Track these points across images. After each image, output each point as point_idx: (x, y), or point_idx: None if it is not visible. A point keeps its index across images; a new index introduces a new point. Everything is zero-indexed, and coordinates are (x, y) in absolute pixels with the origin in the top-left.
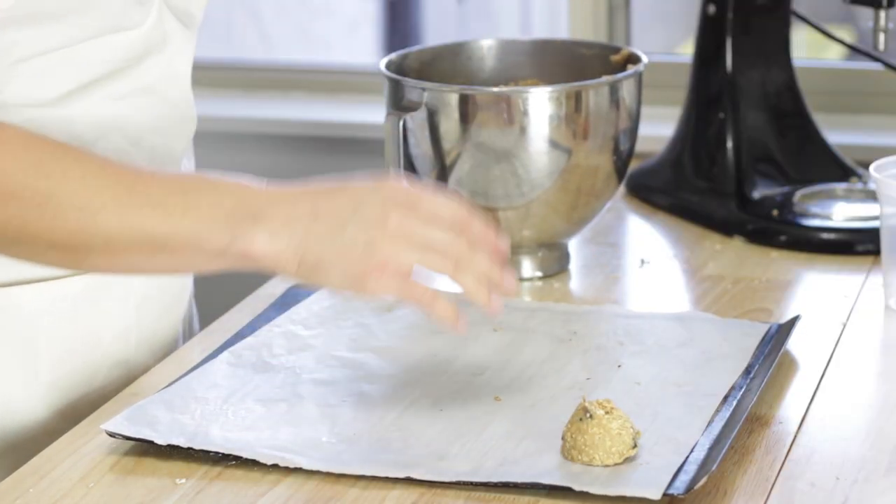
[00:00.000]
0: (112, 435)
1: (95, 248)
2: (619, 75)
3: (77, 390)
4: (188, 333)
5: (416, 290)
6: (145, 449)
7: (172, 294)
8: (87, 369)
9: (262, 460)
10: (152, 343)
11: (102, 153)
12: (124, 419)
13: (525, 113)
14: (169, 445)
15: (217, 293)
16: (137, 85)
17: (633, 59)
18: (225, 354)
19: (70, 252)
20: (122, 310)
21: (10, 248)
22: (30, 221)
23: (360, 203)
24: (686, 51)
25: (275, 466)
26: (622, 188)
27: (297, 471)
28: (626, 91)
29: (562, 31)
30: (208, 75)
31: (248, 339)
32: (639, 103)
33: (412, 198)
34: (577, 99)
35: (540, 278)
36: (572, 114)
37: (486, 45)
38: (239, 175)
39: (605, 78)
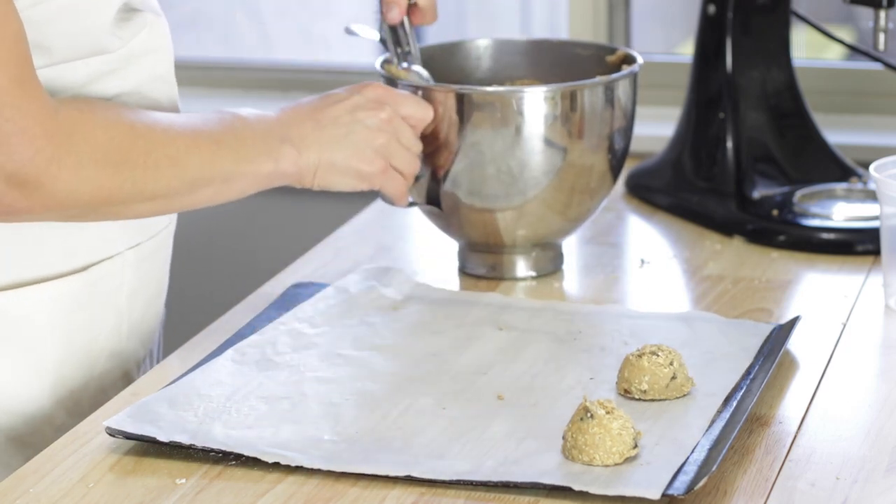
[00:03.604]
0: (112, 434)
1: (182, 191)
2: (614, 75)
3: (78, 384)
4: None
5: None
6: (145, 448)
7: (158, 283)
8: (86, 363)
9: (264, 458)
10: (140, 332)
11: None
12: (127, 416)
13: (520, 113)
14: (169, 444)
15: (213, 294)
16: (122, 88)
17: (629, 59)
18: (229, 352)
19: (165, 198)
20: (114, 302)
21: (117, 210)
22: (139, 178)
23: (353, 111)
24: (686, 51)
25: (275, 466)
26: (622, 188)
27: (298, 470)
28: (622, 91)
29: (562, 31)
30: (208, 75)
31: (253, 337)
32: (634, 103)
33: (388, 98)
34: (572, 99)
35: (533, 278)
36: (567, 113)
37: (483, 45)
38: (240, 107)
39: (600, 78)
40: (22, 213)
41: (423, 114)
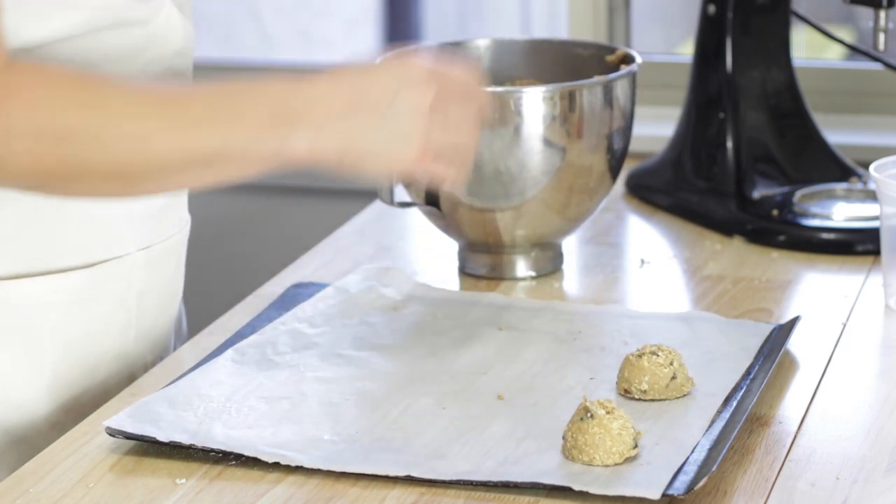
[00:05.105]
0: (112, 434)
1: (150, 173)
2: (613, 75)
3: (79, 384)
4: (178, 332)
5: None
6: (145, 448)
7: (170, 288)
8: (88, 363)
9: (264, 458)
10: (150, 337)
11: None
12: (127, 416)
13: (518, 113)
14: (170, 444)
15: (213, 294)
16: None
17: (628, 59)
18: (229, 352)
19: (125, 180)
20: (122, 303)
21: (68, 187)
22: (87, 157)
23: (395, 91)
24: (686, 51)
25: (275, 465)
26: (622, 188)
27: (298, 470)
28: (620, 90)
29: (561, 31)
30: (208, 76)
31: (254, 337)
32: (633, 103)
33: (438, 76)
34: (570, 99)
35: (533, 278)
36: (566, 113)
37: (482, 45)
38: (267, 76)
39: (599, 78)
40: None
41: (476, 94)
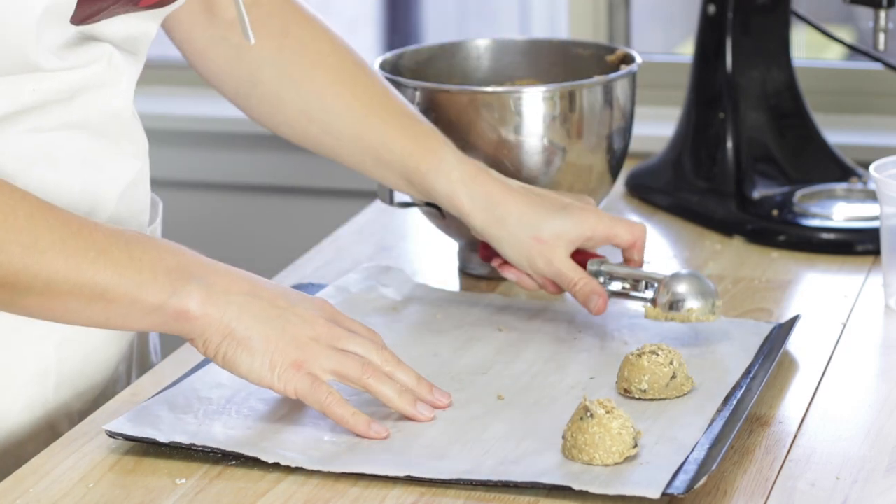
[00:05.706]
0: (112, 435)
1: (35, 289)
2: (613, 75)
3: None
4: (140, 366)
5: (320, 393)
6: (145, 449)
7: (103, 334)
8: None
9: (264, 458)
10: (75, 385)
11: (27, 186)
12: (126, 420)
13: (519, 113)
14: (170, 445)
15: None
16: (69, 119)
17: (628, 59)
18: None
19: (9, 290)
20: (38, 349)
21: None
22: None
23: (296, 301)
24: (686, 51)
25: (275, 466)
26: (622, 188)
27: (298, 471)
28: (620, 90)
29: (561, 30)
30: None
31: None
32: (633, 103)
33: (339, 315)
34: (570, 99)
35: None
36: (566, 113)
37: (482, 45)
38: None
39: (599, 78)
40: None
41: (368, 336)
